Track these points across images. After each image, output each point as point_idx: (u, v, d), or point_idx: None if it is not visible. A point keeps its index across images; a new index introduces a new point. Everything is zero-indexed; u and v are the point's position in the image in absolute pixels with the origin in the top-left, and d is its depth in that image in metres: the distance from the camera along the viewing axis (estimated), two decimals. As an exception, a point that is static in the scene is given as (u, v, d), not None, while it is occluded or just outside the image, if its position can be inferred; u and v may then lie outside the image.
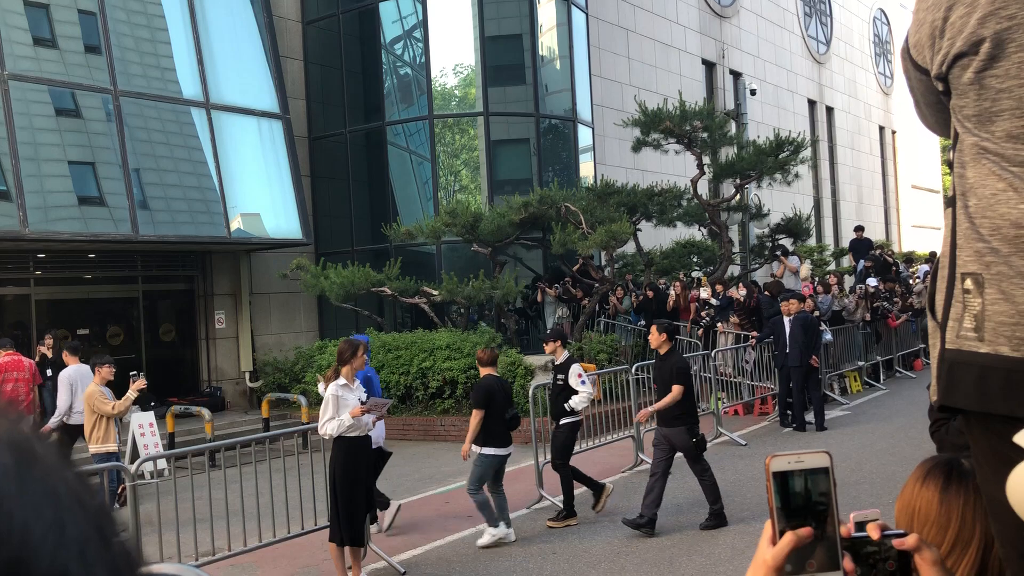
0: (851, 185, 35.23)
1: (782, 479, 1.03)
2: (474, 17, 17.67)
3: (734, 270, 19.83)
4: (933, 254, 21.64)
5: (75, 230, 13.04)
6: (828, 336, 14.34)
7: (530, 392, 9.88)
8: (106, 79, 13.84)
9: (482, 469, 7.62)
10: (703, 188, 18.72)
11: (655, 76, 24.07)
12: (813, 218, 22.61)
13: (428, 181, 18.07)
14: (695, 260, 18.33)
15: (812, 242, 23.44)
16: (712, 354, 13.24)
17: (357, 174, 18.79)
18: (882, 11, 40.39)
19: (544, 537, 7.90)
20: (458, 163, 18.60)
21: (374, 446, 7.28)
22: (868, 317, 16.59)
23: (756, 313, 14.62)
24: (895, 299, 17.93)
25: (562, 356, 8.48)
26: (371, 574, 7.15)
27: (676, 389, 7.85)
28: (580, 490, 9.17)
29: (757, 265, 20.02)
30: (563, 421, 8.38)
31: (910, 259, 24.47)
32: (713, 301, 15.28)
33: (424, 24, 17.73)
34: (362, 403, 6.80)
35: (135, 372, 9.12)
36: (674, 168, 21.50)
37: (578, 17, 19.36)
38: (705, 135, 16.34)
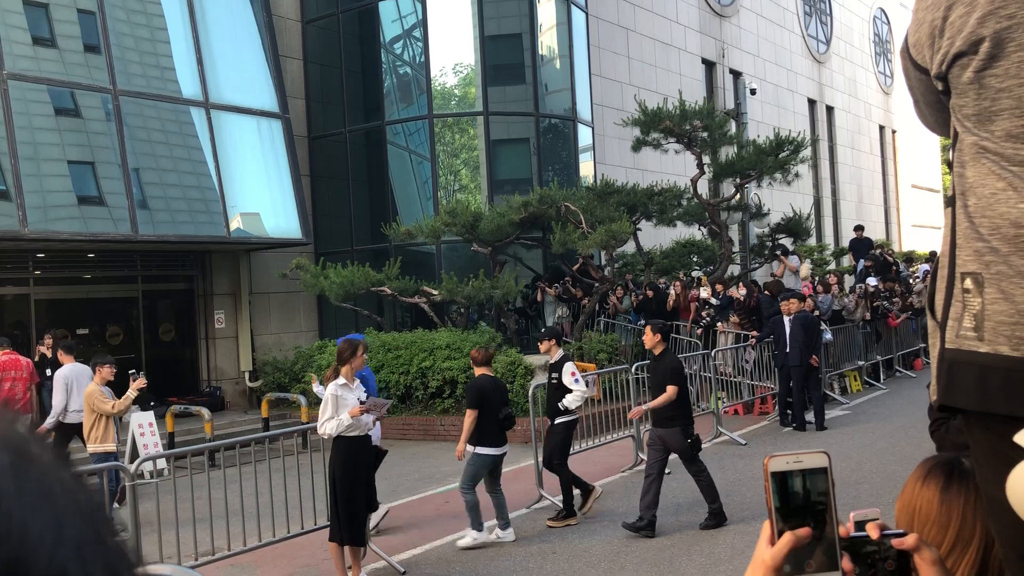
0: (851, 184, 35.23)
1: (781, 479, 1.02)
2: (474, 16, 17.67)
3: (734, 270, 19.83)
4: (933, 253, 21.65)
5: (74, 230, 13.04)
6: (828, 335, 14.34)
7: (530, 392, 9.89)
8: (105, 78, 13.83)
9: (475, 468, 7.63)
10: (703, 187, 18.72)
11: (655, 75, 24.07)
12: (813, 217, 22.62)
13: (428, 180, 18.07)
14: (695, 260, 18.33)
15: (812, 241, 23.44)
16: (712, 354, 13.24)
17: (357, 174, 18.79)
18: (882, 10, 40.39)
19: (544, 537, 7.90)
20: (458, 162, 18.60)
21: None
22: (868, 316, 16.60)
23: (756, 313, 14.62)
24: (894, 299, 17.94)
25: (557, 355, 8.48)
26: (371, 574, 7.15)
27: (671, 389, 7.83)
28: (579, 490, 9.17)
29: (757, 265, 20.02)
30: (558, 420, 8.38)
31: (910, 258, 24.47)
32: (713, 301, 15.28)
33: (424, 23, 17.73)
34: (361, 403, 6.79)
35: (135, 371, 9.12)
36: (674, 167, 21.50)
37: (578, 16, 19.36)
38: (705, 134, 16.34)
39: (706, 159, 17.08)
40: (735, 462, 10.39)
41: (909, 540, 1.07)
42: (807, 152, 17.74)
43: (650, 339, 8.15)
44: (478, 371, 7.90)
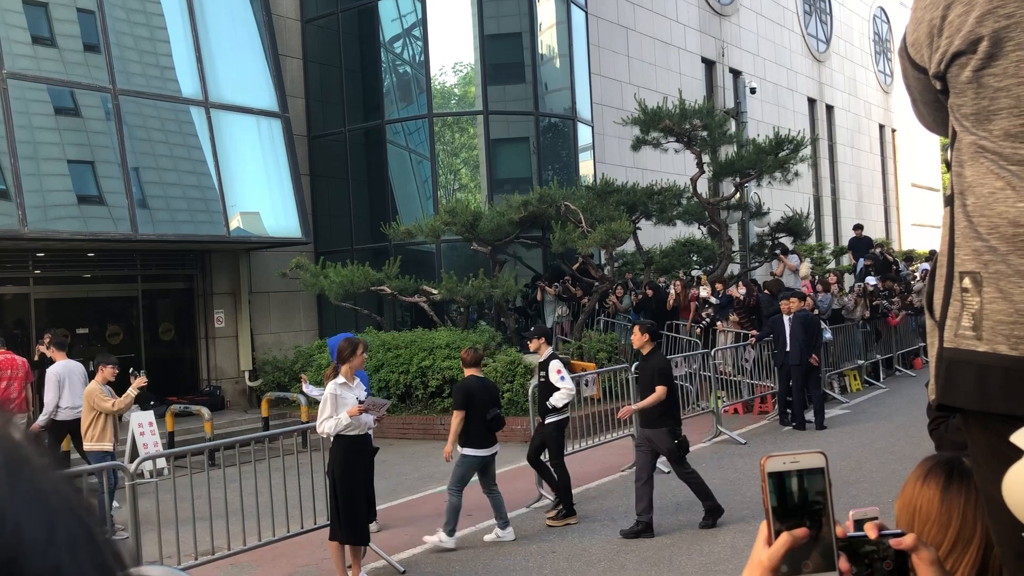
0: (851, 183, 35.23)
1: (778, 480, 1.02)
2: (473, 15, 17.67)
3: (734, 269, 19.83)
4: (933, 252, 21.64)
5: (74, 229, 13.04)
6: (828, 335, 14.35)
7: (530, 391, 9.89)
8: (105, 78, 13.83)
9: (463, 470, 7.64)
10: (703, 187, 18.72)
11: (655, 74, 24.07)
12: (813, 217, 22.61)
13: (427, 180, 18.07)
14: (695, 259, 18.33)
15: (812, 240, 23.44)
16: (712, 353, 13.24)
17: (356, 173, 18.79)
18: (882, 9, 40.39)
19: (544, 536, 7.90)
20: (458, 162, 18.60)
21: None
22: (867, 315, 16.60)
23: (756, 312, 14.62)
24: (894, 298, 17.94)
25: (545, 353, 8.49)
26: (371, 573, 7.15)
27: (660, 389, 7.82)
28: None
29: (757, 264, 20.03)
30: (549, 420, 8.39)
31: (910, 257, 24.48)
32: (713, 300, 15.28)
33: (423, 22, 17.73)
34: (360, 402, 6.79)
35: (135, 370, 9.11)
36: (674, 167, 21.49)
37: (578, 15, 19.36)
38: (705, 133, 16.34)
39: (706, 158, 17.09)
40: (735, 461, 10.39)
41: (907, 540, 1.07)
42: (807, 151, 17.74)
43: (638, 339, 8.14)
44: (467, 372, 7.91)
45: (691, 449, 8.17)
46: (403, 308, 17.61)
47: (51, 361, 9.75)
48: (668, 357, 10.25)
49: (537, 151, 18.07)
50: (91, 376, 8.96)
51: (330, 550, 6.94)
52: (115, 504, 8.71)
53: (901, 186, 40.36)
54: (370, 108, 18.78)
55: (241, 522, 7.01)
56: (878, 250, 20.69)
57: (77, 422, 9.07)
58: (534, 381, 12.02)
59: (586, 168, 19.53)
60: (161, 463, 10.29)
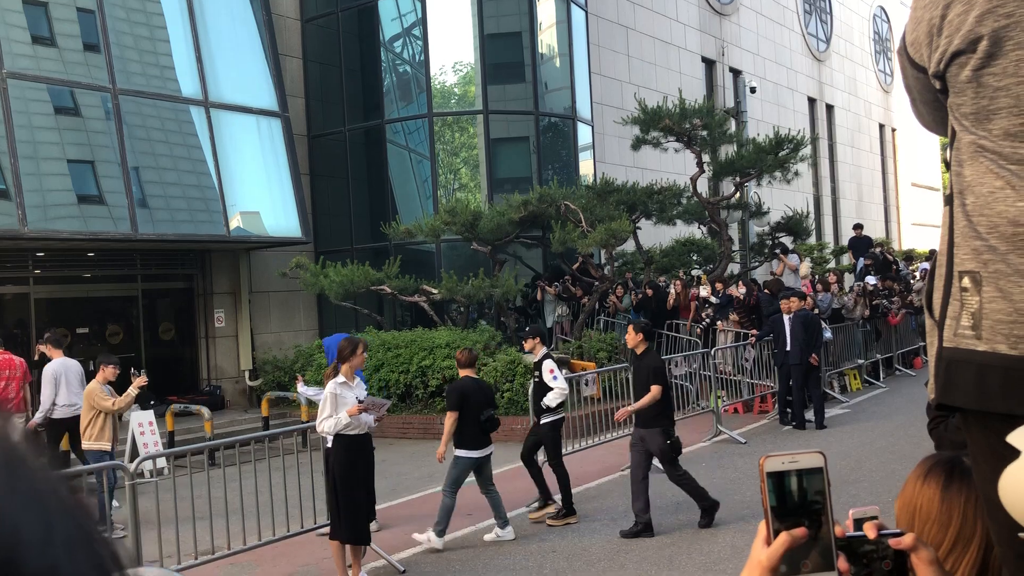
0: (851, 183, 35.24)
1: (777, 479, 1.02)
2: (473, 15, 17.67)
3: (734, 268, 19.83)
4: (933, 251, 21.58)
5: (74, 229, 13.04)
6: (828, 334, 14.35)
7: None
8: (105, 77, 13.83)
9: (457, 471, 7.64)
10: (703, 186, 18.71)
11: (655, 74, 24.06)
12: (813, 216, 22.61)
13: (427, 179, 18.07)
14: (695, 258, 18.33)
15: (812, 240, 23.45)
16: (712, 352, 13.24)
17: (356, 172, 18.79)
18: (882, 8, 40.39)
19: (543, 535, 7.90)
20: (457, 161, 18.60)
21: None
22: (867, 314, 16.59)
23: (756, 311, 14.62)
24: (894, 298, 17.93)
25: (540, 352, 8.48)
26: (371, 572, 7.15)
27: (655, 389, 7.80)
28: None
29: (757, 263, 20.03)
30: (544, 420, 8.39)
31: (910, 257, 24.47)
32: (713, 299, 15.28)
33: (423, 22, 17.73)
34: (360, 402, 6.79)
35: (136, 370, 9.11)
36: (674, 166, 21.49)
37: (578, 15, 19.35)
38: (705, 133, 16.33)
39: (706, 157, 17.08)
40: (735, 460, 10.39)
41: (906, 540, 1.07)
42: (807, 150, 17.74)
43: (632, 338, 8.13)
44: (462, 373, 7.90)
45: (691, 448, 8.17)
46: (403, 308, 17.61)
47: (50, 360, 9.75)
48: (668, 357, 10.26)
49: (537, 150, 18.07)
50: (91, 375, 8.96)
51: (330, 549, 6.94)
52: (115, 503, 8.71)
53: (901, 185, 40.36)
54: (370, 108, 18.78)
55: (241, 522, 7.01)
56: (878, 249, 20.69)
57: (74, 420, 9.06)
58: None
59: (586, 168, 19.53)
60: (161, 462, 10.30)
